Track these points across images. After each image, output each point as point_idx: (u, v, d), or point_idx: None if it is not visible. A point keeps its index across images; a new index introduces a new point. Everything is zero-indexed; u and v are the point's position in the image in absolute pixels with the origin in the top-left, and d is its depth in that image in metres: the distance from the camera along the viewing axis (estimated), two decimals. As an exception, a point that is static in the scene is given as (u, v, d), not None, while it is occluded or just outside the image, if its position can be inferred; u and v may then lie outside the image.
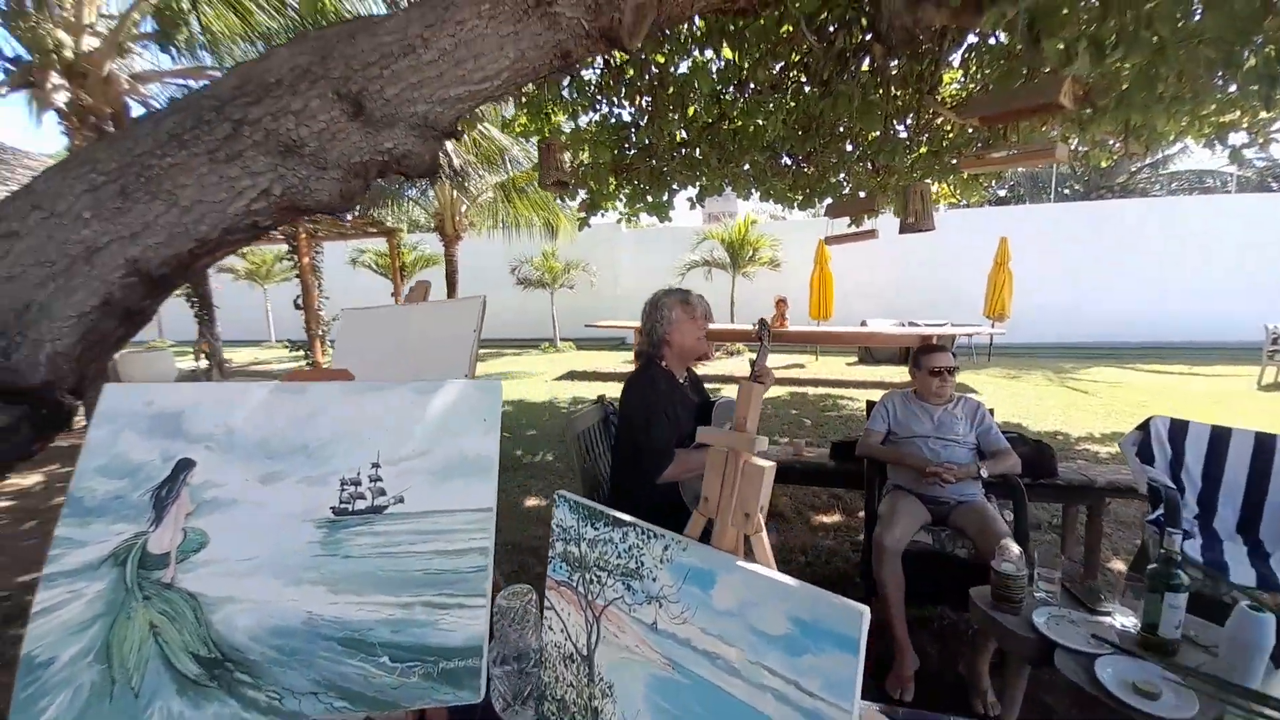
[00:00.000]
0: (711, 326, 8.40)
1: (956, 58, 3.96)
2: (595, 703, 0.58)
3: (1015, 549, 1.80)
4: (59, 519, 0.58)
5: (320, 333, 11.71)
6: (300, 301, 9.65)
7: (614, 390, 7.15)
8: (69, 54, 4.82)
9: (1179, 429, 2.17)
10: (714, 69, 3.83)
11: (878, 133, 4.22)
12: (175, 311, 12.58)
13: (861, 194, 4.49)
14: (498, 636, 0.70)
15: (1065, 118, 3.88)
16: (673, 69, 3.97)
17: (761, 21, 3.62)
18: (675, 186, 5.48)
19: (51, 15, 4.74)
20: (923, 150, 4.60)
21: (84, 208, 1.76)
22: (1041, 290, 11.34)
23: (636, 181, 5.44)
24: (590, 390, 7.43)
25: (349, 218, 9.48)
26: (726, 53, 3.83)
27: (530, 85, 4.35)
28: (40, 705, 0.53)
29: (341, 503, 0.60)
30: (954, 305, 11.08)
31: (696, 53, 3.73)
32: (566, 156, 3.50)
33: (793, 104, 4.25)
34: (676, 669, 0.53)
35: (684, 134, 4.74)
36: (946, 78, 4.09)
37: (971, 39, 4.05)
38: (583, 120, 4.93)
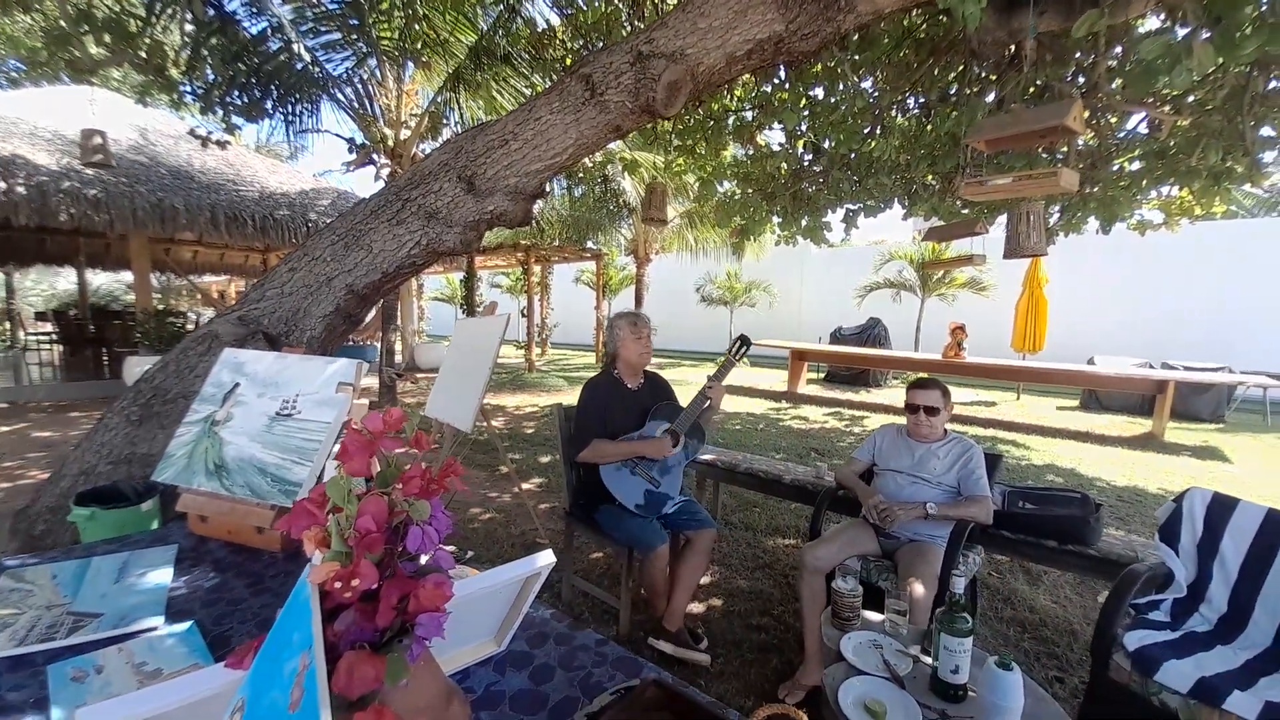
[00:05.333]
0: (884, 353, 7.90)
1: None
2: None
3: (919, 589, 1.79)
4: (194, 401, 1.46)
5: (543, 336, 14.47)
6: (525, 311, 12.15)
7: (752, 404, 7.34)
8: (390, 143, 7.25)
9: (1222, 507, 1.65)
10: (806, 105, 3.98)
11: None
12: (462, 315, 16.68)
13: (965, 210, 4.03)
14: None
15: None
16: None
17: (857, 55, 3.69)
18: (828, 209, 5.52)
19: (382, 117, 7.22)
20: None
21: (328, 255, 3.00)
22: None
23: (783, 206, 5.65)
24: (738, 402, 7.74)
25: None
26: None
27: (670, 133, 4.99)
28: (166, 469, 1.40)
29: (279, 411, 1.36)
30: (1250, 347, 8.05)
31: (786, 92, 3.95)
32: (667, 198, 4.06)
33: (908, 125, 4.12)
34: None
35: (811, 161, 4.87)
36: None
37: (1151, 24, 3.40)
38: (735, 155, 5.41)
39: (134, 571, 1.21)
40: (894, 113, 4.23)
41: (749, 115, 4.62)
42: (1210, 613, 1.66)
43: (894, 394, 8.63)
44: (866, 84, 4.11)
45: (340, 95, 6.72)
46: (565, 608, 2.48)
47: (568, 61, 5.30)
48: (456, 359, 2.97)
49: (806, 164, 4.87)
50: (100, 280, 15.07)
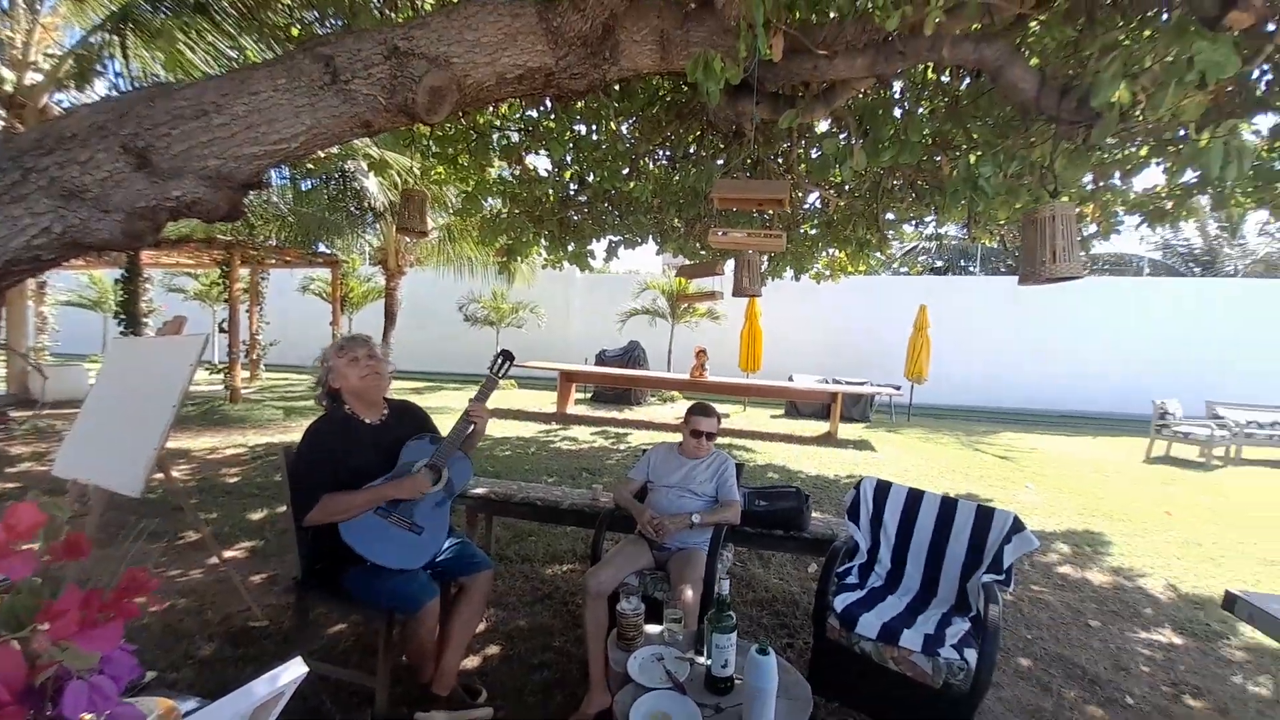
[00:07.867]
0: (645, 373, 8.49)
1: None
2: None
3: (689, 593, 1.96)
4: None
5: (257, 355, 11.65)
6: (224, 325, 9.61)
7: (521, 427, 7.24)
8: (8, 88, 5.08)
9: (883, 489, 2.37)
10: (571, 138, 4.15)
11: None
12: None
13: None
14: None
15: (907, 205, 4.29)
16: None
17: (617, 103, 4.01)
18: (593, 238, 5.75)
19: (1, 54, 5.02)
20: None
21: None
22: (964, 356, 12.08)
23: (550, 231, 5.70)
24: (507, 426, 7.51)
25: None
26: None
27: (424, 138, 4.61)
28: None
29: None
30: (881, 366, 11.61)
31: (553, 122, 4.08)
32: (427, 207, 3.73)
33: (659, 173, 4.61)
34: None
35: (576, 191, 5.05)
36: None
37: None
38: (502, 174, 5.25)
39: None
40: (647, 161, 4.72)
41: (515, 136, 4.60)
42: (881, 570, 2.21)
43: (653, 411, 9.55)
44: (625, 130, 4.50)
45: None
46: (299, 702, 1.97)
47: (294, 32, 4.49)
48: (115, 394, 2.14)
49: (573, 193, 5.07)
50: None
